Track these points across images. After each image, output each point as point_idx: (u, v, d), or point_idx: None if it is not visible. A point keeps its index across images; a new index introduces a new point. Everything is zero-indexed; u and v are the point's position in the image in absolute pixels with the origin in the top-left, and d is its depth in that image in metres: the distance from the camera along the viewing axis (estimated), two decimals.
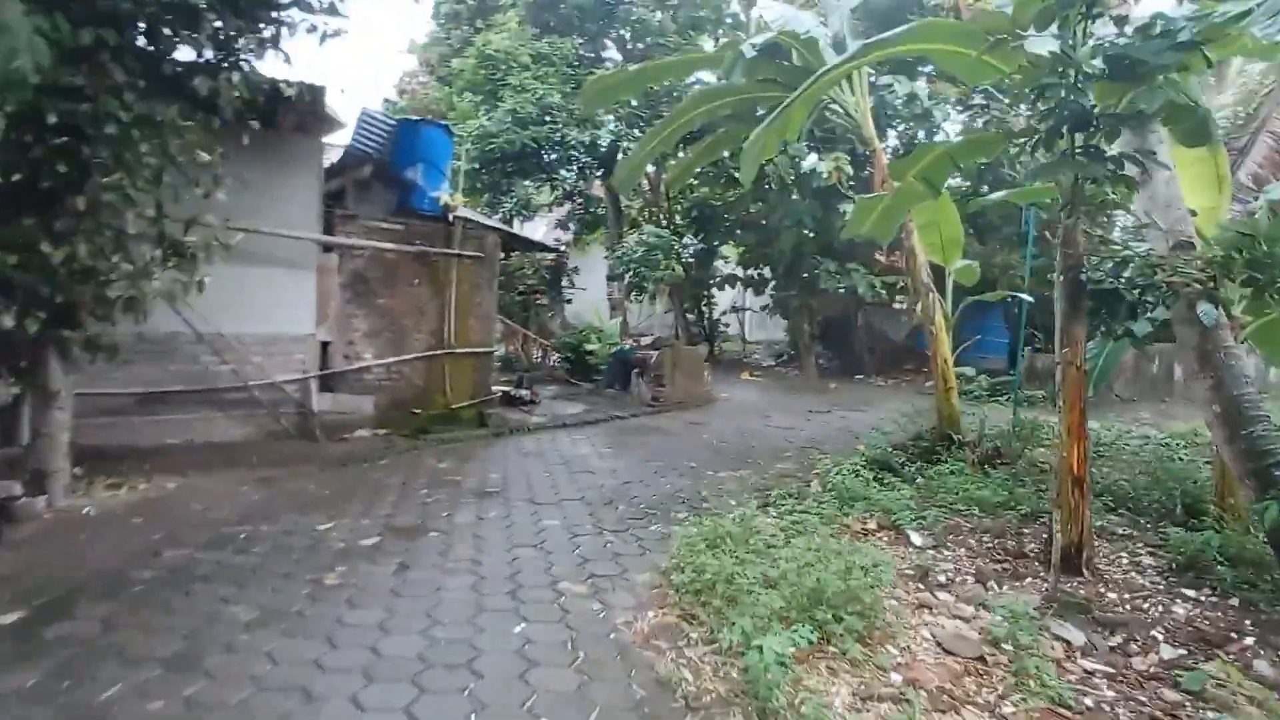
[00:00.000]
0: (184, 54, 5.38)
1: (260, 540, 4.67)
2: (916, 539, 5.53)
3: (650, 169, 15.32)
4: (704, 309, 21.37)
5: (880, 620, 3.70)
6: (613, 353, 12.75)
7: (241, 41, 5.34)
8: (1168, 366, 14.91)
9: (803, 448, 8.72)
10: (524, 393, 11.00)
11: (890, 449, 7.83)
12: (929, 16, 4.57)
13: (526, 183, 14.91)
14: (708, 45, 15.13)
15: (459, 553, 4.57)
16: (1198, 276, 4.52)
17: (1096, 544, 5.26)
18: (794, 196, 17.05)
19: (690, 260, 15.86)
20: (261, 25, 5.33)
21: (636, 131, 13.98)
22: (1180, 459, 8.05)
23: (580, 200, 17.50)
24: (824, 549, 4.46)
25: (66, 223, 4.62)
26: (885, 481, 6.72)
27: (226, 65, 5.37)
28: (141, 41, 5.05)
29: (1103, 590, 4.78)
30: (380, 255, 8.41)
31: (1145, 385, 14.43)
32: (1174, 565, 5.14)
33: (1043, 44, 4.76)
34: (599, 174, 15.74)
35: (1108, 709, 3.22)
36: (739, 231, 19.79)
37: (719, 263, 20.97)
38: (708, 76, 15.58)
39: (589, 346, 13.35)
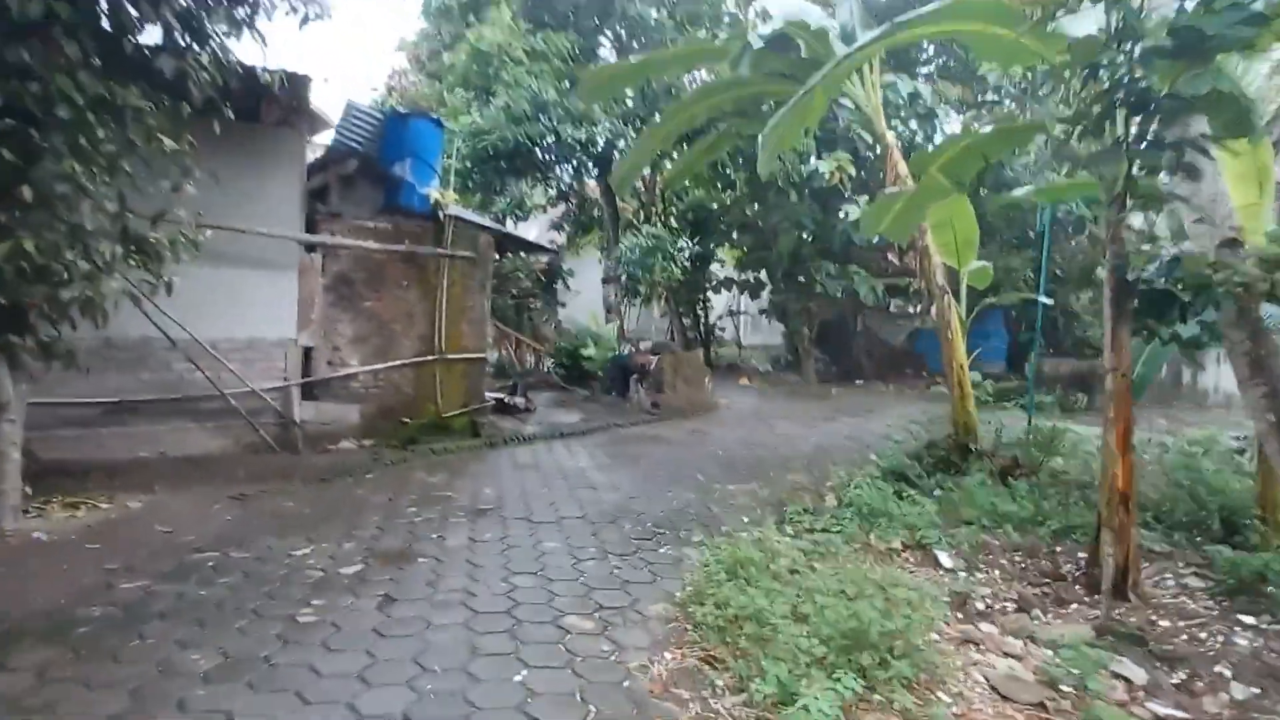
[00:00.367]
0: (153, 36, 4.95)
1: (229, 569, 4.21)
2: (946, 560, 5.13)
3: (645, 170, 14.91)
4: (699, 313, 20.99)
5: (927, 662, 3.28)
6: (611, 358, 12.31)
7: (211, 19, 4.88)
8: (1174, 370, 14.63)
9: (812, 457, 8.31)
10: (519, 400, 10.55)
11: (905, 458, 7.44)
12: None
13: (520, 182, 14.46)
14: None
15: (450, 582, 4.12)
16: (1259, 276, 4.14)
17: None
18: (793, 198, 16.72)
19: (687, 263, 15.44)
20: (232, 2, 4.87)
21: (632, 131, 13.56)
22: (1207, 468, 7.71)
23: (575, 201, 17.05)
24: (855, 577, 4.04)
25: (13, 216, 4.15)
26: (904, 495, 6.31)
27: (195, 45, 4.92)
28: (101, 17, 4.60)
29: (1154, 618, 4.39)
30: (366, 255, 7.94)
31: (1154, 390, 14.11)
32: (1224, 588, 4.77)
33: (1078, 25, 4.39)
34: (595, 173, 15.31)
35: None
36: (735, 234, 19.44)
37: (714, 266, 20.61)
38: (702, 75, 15.30)
39: (586, 352, 12.90)
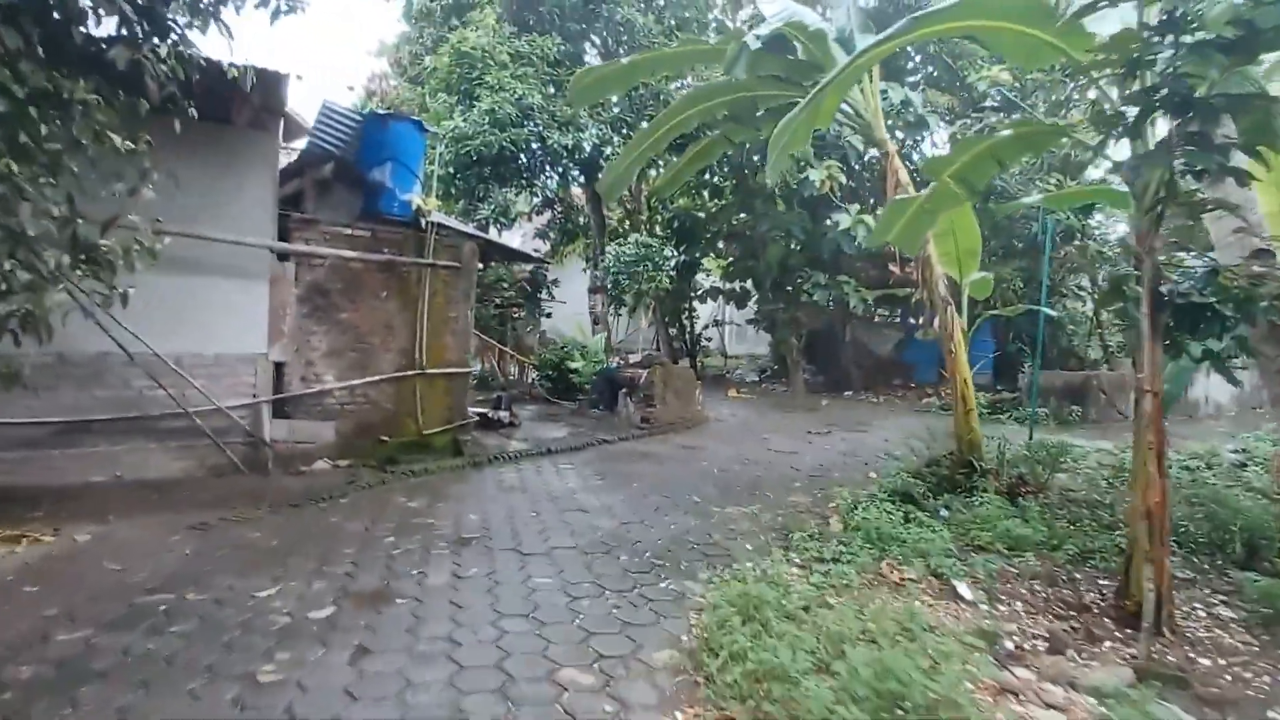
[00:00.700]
0: (110, 27, 4.53)
1: (184, 614, 3.76)
2: (965, 591, 4.80)
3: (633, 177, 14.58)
4: (685, 323, 20.69)
5: None
6: (598, 371, 11.91)
7: (171, 8, 4.47)
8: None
9: (811, 475, 7.98)
10: (503, 414, 10.13)
11: (909, 477, 7.13)
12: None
13: (504, 189, 14.06)
14: None
15: (433, 628, 3.70)
16: None
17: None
18: (780, 207, 16.48)
19: (673, 272, 15.13)
20: None
21: (619, 137, 13.23)
22: (1219, 486, 7.50)
23: (561, 208, 16.68)
24: (878, 617, 3.70)
25: None
26: (911, 517, 6.00)
27: (154, 37, 4.51)
28: (47, 4, 4.18)
29: (1192, 655, 4.08)
30: (343, 265, 7.51)
31: None
32: (1258, 618, 4.50)
33: (1099, 24, 4.13)
34: (580, 180, 14.97)
35: None
36: (722, 243, 19.18)
37: (699, 275, 20.35)
38: (688, 81, 15.02)
39: (572, 364, 12.50)
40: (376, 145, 7.58)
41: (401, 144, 7.63)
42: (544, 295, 16.13)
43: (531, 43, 12.74)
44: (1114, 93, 4.15)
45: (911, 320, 16.15)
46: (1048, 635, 4.20)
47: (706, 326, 22.09)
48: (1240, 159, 3.53)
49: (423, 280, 7.96)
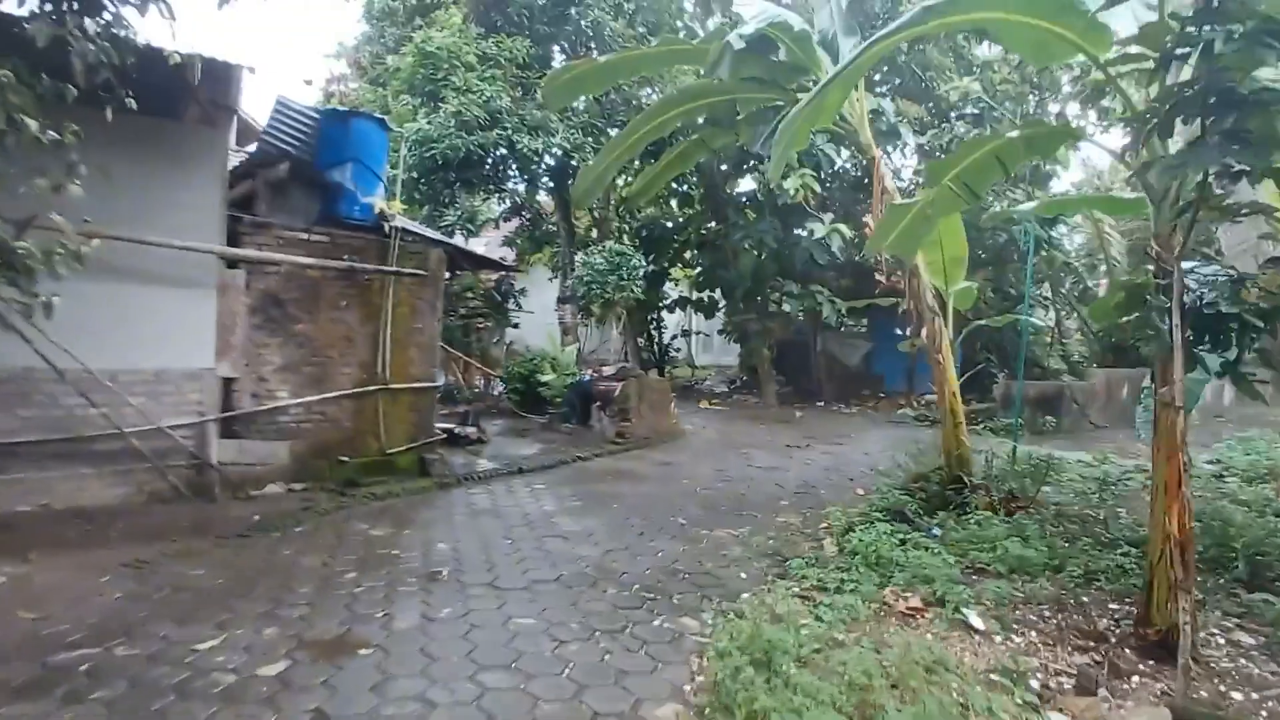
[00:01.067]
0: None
1: (110, 675, 3.24)
2: (977, 621, 4.50)
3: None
4: (654, 333, 20.38)
5: None
6: (571, 384, 11.47)
7: None
8: (1134, 393, 14.62)
9: (797, 493, 7.67)
10: (470, 430, 9.63)
11: (900, 494, 6.87)
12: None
13: (471, 195, 13.57)
14: None
15: (402, 686, 3.24)
16: None
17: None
18: (752, 216, 16.29)
19: (643, 282, 14.81)
20: None
21: (591, 142, 12.86)
22: (1207, 498, 7.40)
23: (529, 216, 16.21)
24: (901, 661, 3.36)
25: None
26: (906, 538, 5.72)
27: (85, 15, 4.01)
28: None
29: (1223, 688, 3.83)
30: (299, 272, 6.98)
31: (1115, 412, 14.07)
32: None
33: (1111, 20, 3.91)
34: (549, 186, 14.55)
35: None
36: (691, 252, 18.93)
37: (666, 285, 20.08)
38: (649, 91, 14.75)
39: (543, 377, 12.03)
40: (336, 144, 7.08)
41: (363, 143, 7.15)
42: (511, 305, 15.63)
43: (499, 44, 12.31)
44: (1133, 93, 3.92)
45: (898, 331, 16.01)
46: (1072, 671, 3.92)
47: (675, 337, 21.80)
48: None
49: (386, 289, 7.46)
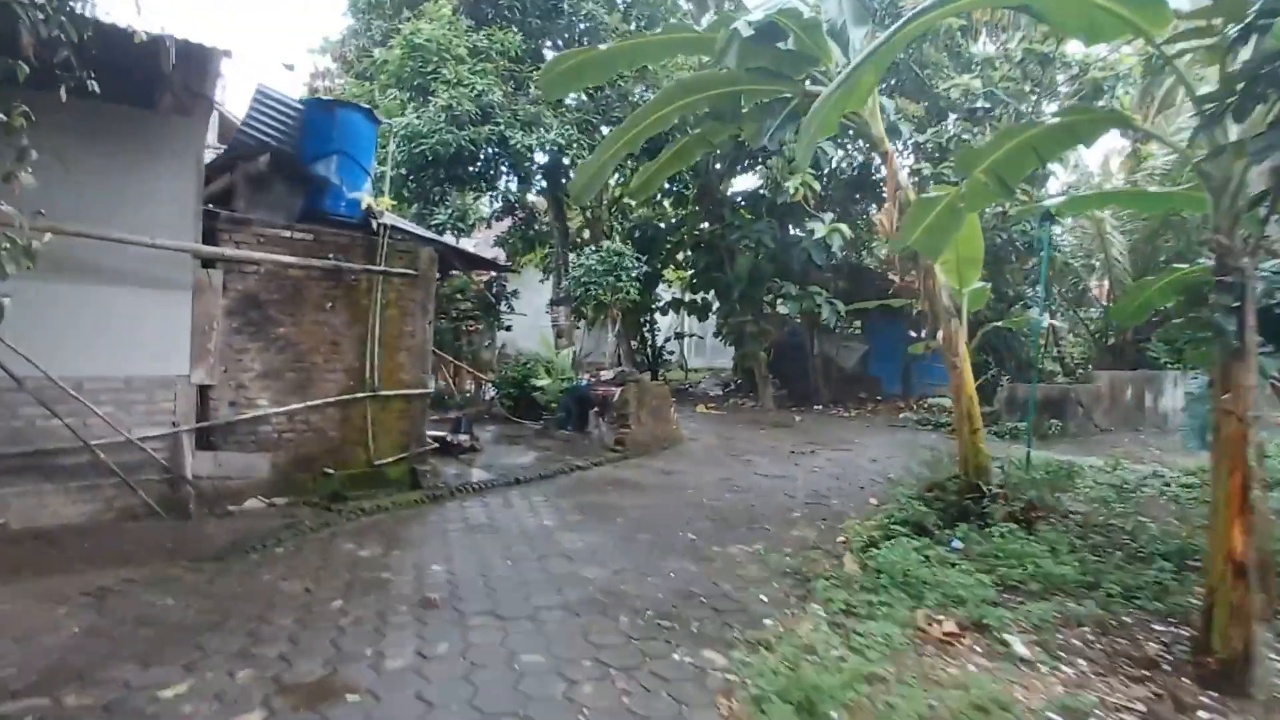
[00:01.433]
0: None
1: None
2: (1020, 647, 4.15)
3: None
4: (647, 335, 20.00)
5: None
6: (568, 389, 11.06)
7: None
8: (1138, 395, 14.42)
9: (808, 503, 7.31)
10: (463, 438, 9.21)
11: (920, 506, 6.53)
12: None
13: (462, 193, 13.13)
14: None
15: None
16: None
17: None
18: (749, 216, 15.95)
19: (639, 283, 14.44)
20: None
21: (586, 139, 12.46)
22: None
23: (522, 214, 15.77)
24: (961, 706, 3.01)
25: None
26: (929, 554, 5.39)
27: None
28: None
29: None
30: (281, 272, 6.54)
31: (1119, 415, 13.83)
32: None
33: None
34: (543, 185, 14.15)
35: None
36: (687, 253, 18.57)
37: (659, 287, 19.71)
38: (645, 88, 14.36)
39: (538, 381, 11.61)
40: (320, 136, 6.64)
41: (349, 134, 6.72)
42: (504, 307, 15.19)
43: (490, 37, 11.89)
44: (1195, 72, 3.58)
45: (910, 332, 15.72)
46: (1133, 706, 3.57)
47: (668, 340, 21.44)
48: None
49: (374, 290, 7.04)
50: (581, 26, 13.42)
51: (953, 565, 5.18)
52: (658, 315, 19.74)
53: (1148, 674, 3.97)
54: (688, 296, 18.57)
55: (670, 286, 20.44)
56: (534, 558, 5.25)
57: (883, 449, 10.66)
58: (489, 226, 17.02)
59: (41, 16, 3.42)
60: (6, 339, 4.83)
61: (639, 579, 4.87)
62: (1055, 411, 12.78)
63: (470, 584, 4.64)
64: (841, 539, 6.00)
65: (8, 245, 3.51)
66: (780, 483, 8.26)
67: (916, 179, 14.63)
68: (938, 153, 15.15)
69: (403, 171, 11.73)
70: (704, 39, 6.98)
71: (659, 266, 18.49)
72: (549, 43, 14.25)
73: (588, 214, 17.50)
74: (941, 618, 4.46)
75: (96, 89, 4.21)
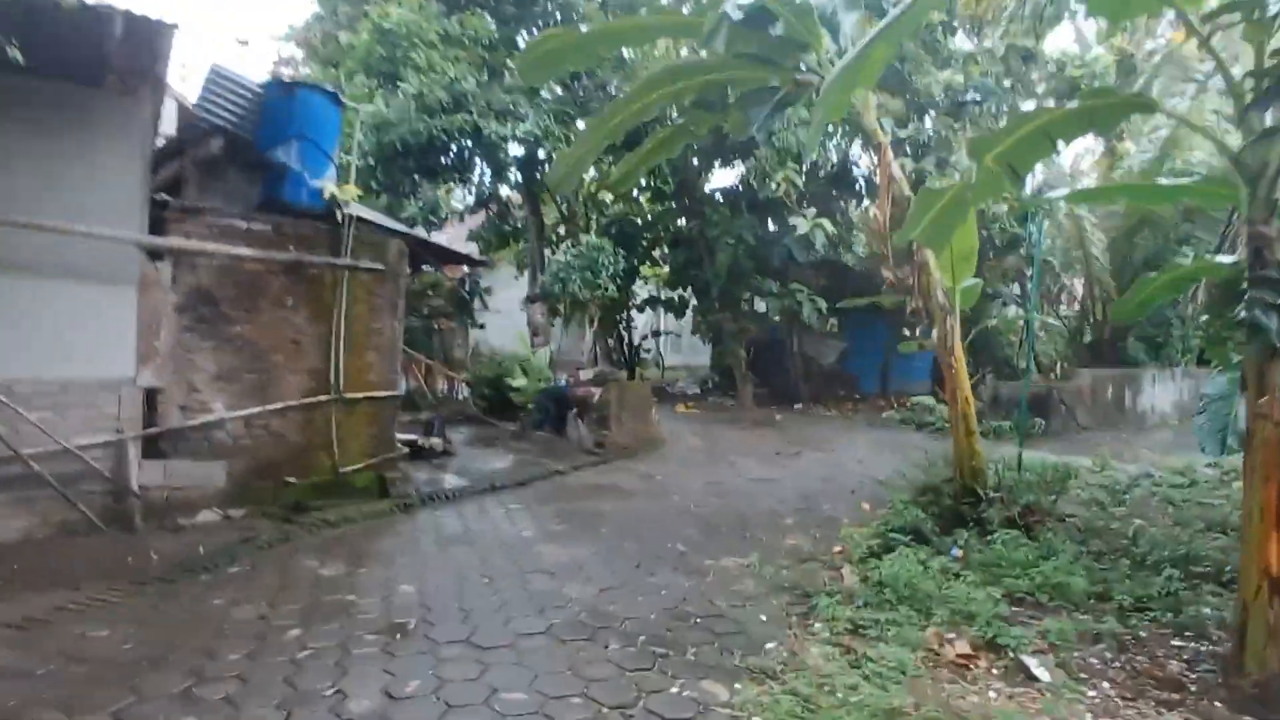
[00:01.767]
0: None
1: None
2: (1039, 670, 3.88)
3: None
4: (623, 333, 19.63)
5: None
6: (546, 390, 10.65)
7: None
8: (1118, 394, 14.40)
9: (799, 509, 7.02)
10: (435, 442, 8.78)
11: (916, 511, 6.27)
12: None
13: (434, 184, 12.63)
14: None
15: None
16: None
17: None
18: (729, 212, 15.65)
19: (618, 279, 14.06)
20: None
21: (562, 130, 12.04)
22: (1226, 509, 6.99)
23: (496, 208, 15.29)
24: None
25: None
26: (928, 563, 5.12)
27: None
28: None
29: None
30: (237, 265, 6.06)
31: (1100, 413, 13.79)
32: None
33: None
34: (517, 180, 13.69)
35: None
36: (664, 249, 18.23)
37: (636, 283, 19.34)
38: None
39: (514, 382, 11.18)
40: (280, 119, 6.17)
41: (311, 118, 6.25)
42: (477, 304, 14.71)
43: (464, 23, 11.41)
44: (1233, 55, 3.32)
45: (905, 330, 15.52)
46: None
47: (645, 337, 21.09)
48: None
49: (339, 285, 6.58)
50: (558, 15, 12.99)
51: (957, 576, 4.93)
52: (634, 313, 19.37)
53: (1176, 697, 3.72)
54: (665, 294, 18.23)
55: (647, 283, 20.08)
56: (514, 574, 4.87)
57: (868, 449, 10.43)
58: (462, 220, 16.50)
59: None
60: None
61: (628, 597, 4.51)
62: (1039, 410, 12.68)
63: (444, 607, 4.24)
64: (838, 548, 5.72)
65: None
66: (768, 486, 7.97)
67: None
68: (918, 149, 14.99)
69: (371, 161, 11.20)
70: (690, 22, 6.62)
71: (636, 263, 18.12)
72: (523, 30, 13.79)
73: (564, 209, 17.06)
74: (953, 636, 4.19)
75: (19, 59, 3.75)
